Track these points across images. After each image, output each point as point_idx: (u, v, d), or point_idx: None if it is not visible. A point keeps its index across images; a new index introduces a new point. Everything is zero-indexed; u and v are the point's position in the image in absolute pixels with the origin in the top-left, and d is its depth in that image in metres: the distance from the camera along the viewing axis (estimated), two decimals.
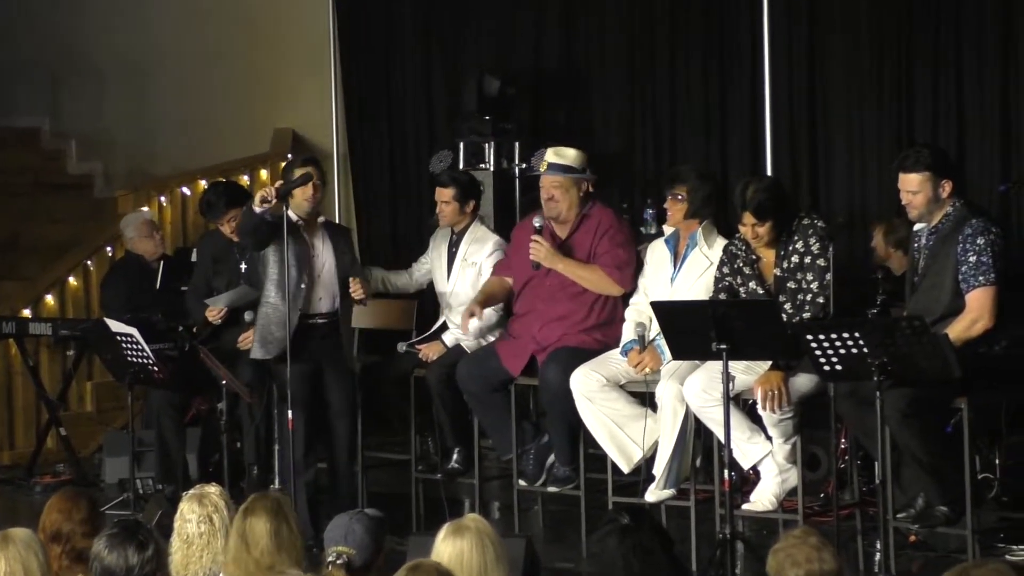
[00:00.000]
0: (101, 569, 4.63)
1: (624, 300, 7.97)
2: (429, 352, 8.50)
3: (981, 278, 6.64)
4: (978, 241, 6.67)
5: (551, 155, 8.08)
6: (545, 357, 7.92)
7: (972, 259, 6.65)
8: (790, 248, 7.20)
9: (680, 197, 7.62)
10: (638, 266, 7.96)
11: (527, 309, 8.14)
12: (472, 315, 8.12)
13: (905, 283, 7.17)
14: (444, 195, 8.70)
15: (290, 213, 7.87)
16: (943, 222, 6.81)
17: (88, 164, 12.79)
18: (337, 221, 10.70)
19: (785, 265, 7.20)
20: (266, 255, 7.98)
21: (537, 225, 8.03)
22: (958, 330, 6.61)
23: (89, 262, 10.98)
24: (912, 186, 6.83)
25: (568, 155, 8.06)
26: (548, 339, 7.96)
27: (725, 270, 7.38)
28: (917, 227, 6.97)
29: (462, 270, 8.64)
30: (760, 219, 7.14)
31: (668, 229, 7.82)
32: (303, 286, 7.95)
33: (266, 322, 8.03)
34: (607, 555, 4.79)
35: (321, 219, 8.16)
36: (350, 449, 8.20)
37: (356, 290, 8.01)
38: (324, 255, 8.07)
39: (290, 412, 7.78)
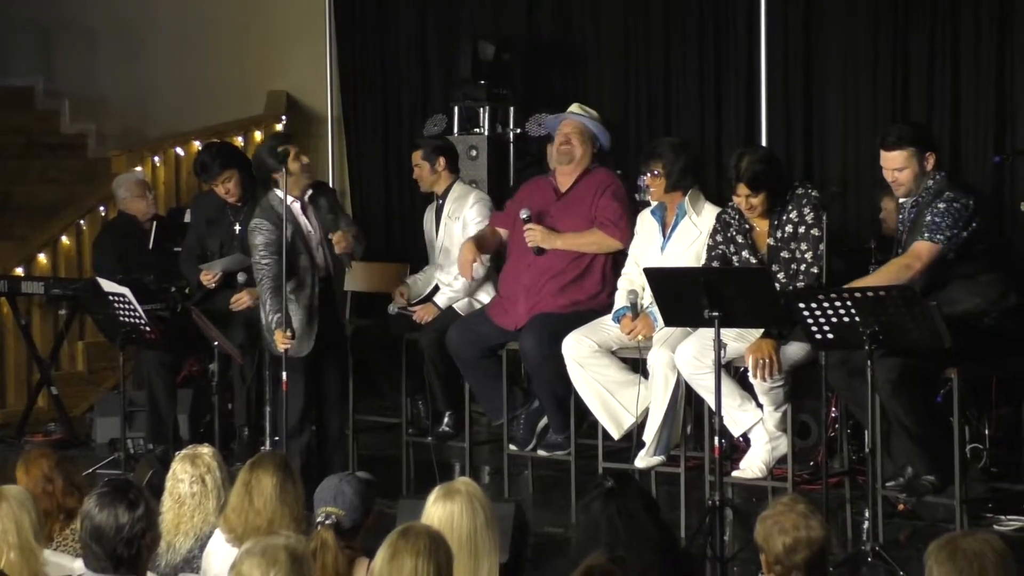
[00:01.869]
0: (91, 528, 4.63)
1: (614, 265, 7.98)
2: (423, 314, 8.51)
3: (927, 234, 6.66)
4: (939, 205, 6.68)
5: (575, 107, 8.28)
6: (524, 324, 7.94)
7: (928, 219, 6.67)
8: (784, 218, 7.19)
9: (657, 173, 7.61)
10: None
11: (515, 263, 8.15)
12: (474, 260, 8.12)
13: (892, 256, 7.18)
14: (415, 159, 8.78)
15: (286, 197, 7.76)
16: (923, 195, 6.81)
17: (81, 124, 12.77)
18: (331, 185, 10.67)
19: (779, 235, 7.20)
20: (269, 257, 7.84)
21: (524, 216, 8.04)
22: (890, 270, 6.67)
23: (82, 222, 10.97)
24: (897, 163, 6.82)
25: (592, 112, 8.26)
26: (536, 292, 7.97)
27: (718, 238, 7.38)
28: (902, 199, 6.97)
29: (447, 226, 8.66)
30: (754, 190, 7.13)
31: (654, 201, 7.82)
32: (316, 279, 7.86)
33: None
34: (593, 521, 4.81)
35: (309, 192, 7.95)
36: (341, 412, 8.14)
37: (339, 242, 7.84)
38: (314, 224, 7.92)
39: (284, 374, 7.75)
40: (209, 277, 8.60)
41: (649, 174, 7.66)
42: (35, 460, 5.77)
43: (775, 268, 7.13)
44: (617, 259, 8.01)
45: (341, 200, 10.33)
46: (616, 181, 8.16)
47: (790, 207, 7.19)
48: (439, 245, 8.71)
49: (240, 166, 8.70)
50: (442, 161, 8.72)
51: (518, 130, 10.24)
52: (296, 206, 7.85)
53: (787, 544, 4.50)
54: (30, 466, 5.74)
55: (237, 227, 8.64)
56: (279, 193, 7.77)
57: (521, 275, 8.08)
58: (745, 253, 7.27)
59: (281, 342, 7.67)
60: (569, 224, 8.04)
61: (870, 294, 6.36)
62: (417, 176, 8.79)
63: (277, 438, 8.06)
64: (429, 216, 8.90)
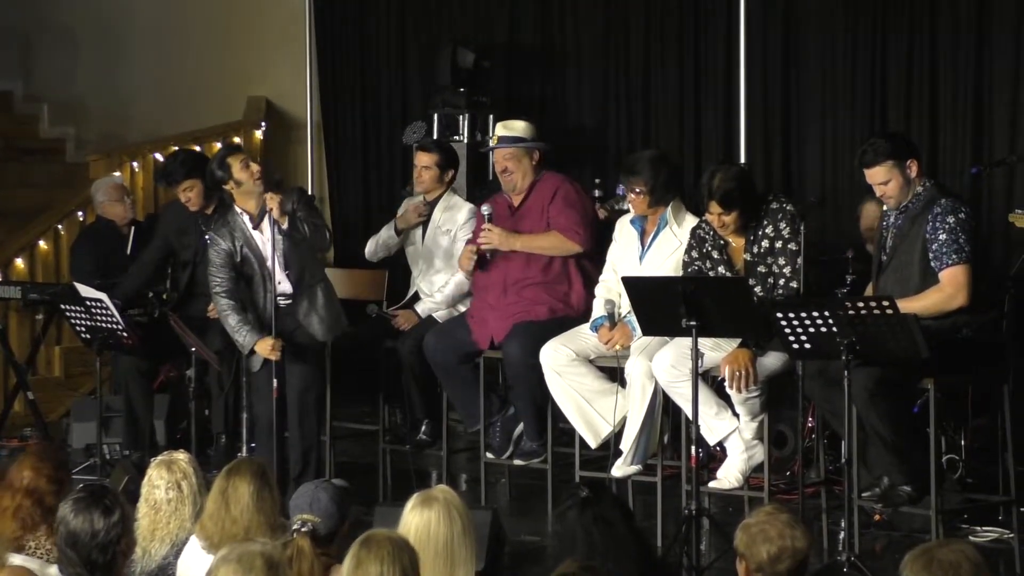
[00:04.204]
0: (66, 533, 4.62)
1: (579, 266, 8.01)
2: (403, 321, 8.51)
3: (954, 256, 6.64)
4: (948, 220, 6.68)
5: (500, 129, 8.20)
6: (507, 333, 7.93)
7: (943, 237, 6.66)
8: (760, 233, 7.18)
9: (639, 191, 7.58)
10: (599, 229, 7.99)
11: (484, 283, 8.14)
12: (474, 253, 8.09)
13: (872, 262, 7.18)
14: (426, 160, 8.69)
15: (239, 212, 7.73)
16: (913, 202, 6.82)
17: (60, 129, 12.73)
18: (309, 192, 10.64)
19: (755, 250, 7.19)
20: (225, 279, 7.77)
21: (486, 213, 8.05)
22: (932, 301, 6.61)
23: (60, 227, 10.95)
24: (880, 178, 6.83)
25: (517, 127, 8.16)
26: (508, 311, 7.96)
27: (694, 254, 7.36)
28: (886, 206, 6.98)
29: (435, 238, 8.64)
30: (727, 209, 7.12)
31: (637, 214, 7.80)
32: (269, 292, 7.75)
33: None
34: (568, 529, 4.81)
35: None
36: (308, 419, 7.93)
37: (271, 203, 7.60)
38: (271, 238, 7.73)
39: (275, 381, 7.67)
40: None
41: (630, 193, 7.64)
42: (46, 458, 5.77)
43: (752, 282, 7.12)
44: (581, 262, 8.02)
45: (320, 206, 10.33)
46: (564, 184, 8.13)
47: (765, 221, 7.18)
48: (423, 255, 8.69)
49: (204, 176, 8.68)
50: (451, 173, 8.73)
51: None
52: (245, 218, 7.79)
53: (772, 553, 4.50)
54: (42, 465, 5.73)
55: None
56: (237, 208, 7.78)
57: (488, 293, 8.07)
58: (721, 268, 7.26)
59: (268, 351, 7.62)
60: (526, 231, 8.05)
61: (848, 304, 6.39)
62: (418, 176, 8.74)
63: (254, 444, 8.03)
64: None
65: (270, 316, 7.72)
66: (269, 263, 7.74)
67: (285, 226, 7.65)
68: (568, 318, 7.89)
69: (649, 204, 7.59)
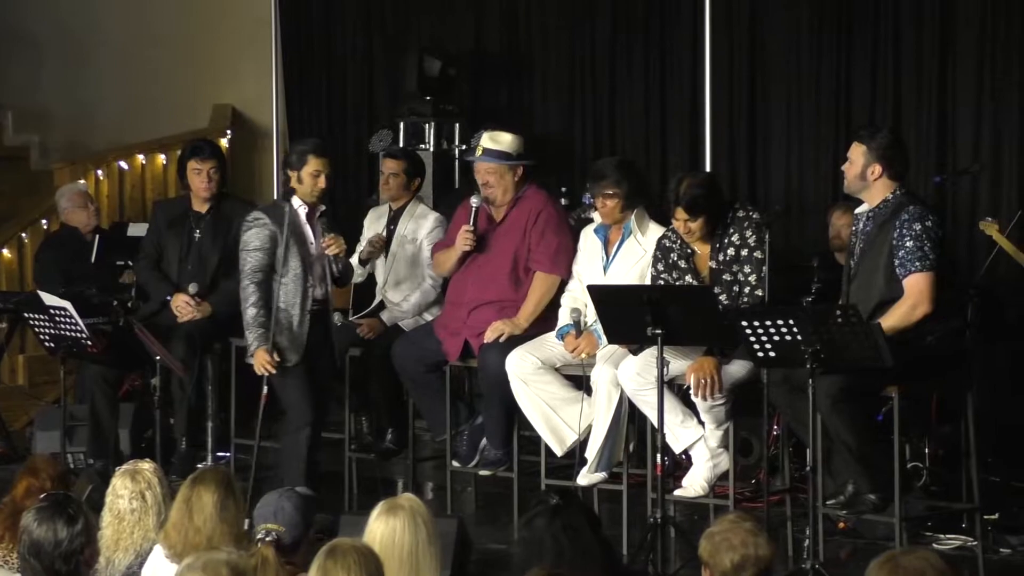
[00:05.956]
0: (29, 542, 4.60)
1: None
2: (368, 330, 8.49)
3: (918, 263, 6.66)
4: (915, 227, 6.70)
5: (486, 140, 8.01)
6: (483, 342, 7.91)
7: (909, 244, 6.68)
8: (725, 241, 7.20)
9: (611, 193, 7.56)
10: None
11: (458, 295, 8.11)
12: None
13: (843, 270, 7.20)
14: (393, 166, 8.69)
15: (298, 204, 7.66)
16: (881, 207, 6.84)
17: (24, 136, 12.69)
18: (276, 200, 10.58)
19: (721, 258, 7.20)
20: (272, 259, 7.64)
21: (474, 204, 7.98)
22: (898, 316, 6.62)
23: (24, 235, 10.92)
24: (851, 153, 6.90)
25: (503, 140, 7.99)
26: (482, 325, 7.93)
27: (660, 267, 7.36)
28: (858, 210, 7.00)
29: (401, 247, 8.62)
30: (692, 215, 7.13)
31: (599, 218, 7.79)
32: (310, 287, 7.68)
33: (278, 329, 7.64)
34: (535, 537, 4.81)
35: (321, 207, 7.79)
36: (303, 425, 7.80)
37: (330, 245, 7.69)
38: (316, 242, 7.76)
39: (265, 388, 7.62)
40: (185, 304, 8.44)
41: (600, 197, 7.60)
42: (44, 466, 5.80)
43: (717, 291, 7.14)
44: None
45: None
46: (547, 204, 8.02)
47: (731, 229, 7.19)
48: (388, 264, 8.67)
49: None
50: (418, 181, 8.71)
51: (464, 146, 10.24)
52: (303, 212, 7.73)
53: (735, 561, 4.51)
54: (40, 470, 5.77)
55: (197, 234, 8.59)
56: (294, 199, 7.70)
57: (460, 309, 8.03)
58: (688, 278, 7.27)
59: (262, 365, 7.54)
60: (506, 247, 7.95)
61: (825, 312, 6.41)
62: (385, 183, 8.73)
63: (220, 453, 8.01)
64: (376, 222, 8.83)
65: (305, 316, 7.64)
66: (315, 267, 7.70)
67: (339, 262, 7.80)
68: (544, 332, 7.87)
69: (621, 209, 7.57)
